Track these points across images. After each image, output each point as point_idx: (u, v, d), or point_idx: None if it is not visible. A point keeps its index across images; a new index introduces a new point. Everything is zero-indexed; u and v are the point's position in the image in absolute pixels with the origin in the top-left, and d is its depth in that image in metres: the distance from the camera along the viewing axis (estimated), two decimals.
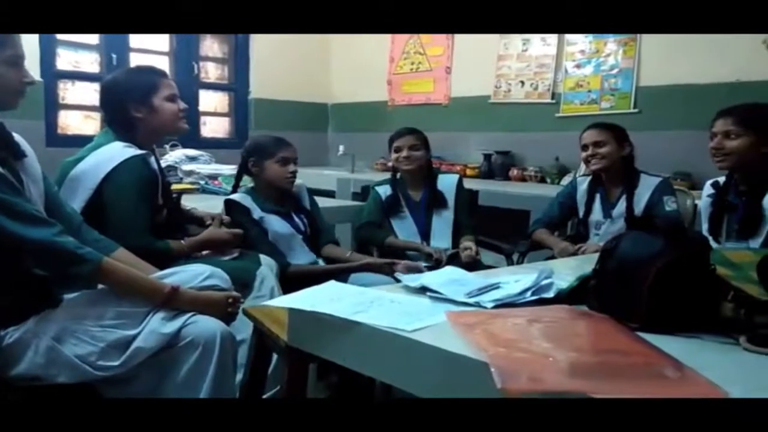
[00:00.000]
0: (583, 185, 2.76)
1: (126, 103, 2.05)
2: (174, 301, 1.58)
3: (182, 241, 2.07)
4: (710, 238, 2.21)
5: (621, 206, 2.61)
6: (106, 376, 1.51)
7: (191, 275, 1.69)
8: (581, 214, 2.74)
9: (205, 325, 1.57)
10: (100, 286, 1.60)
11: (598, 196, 2.70)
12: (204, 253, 2.17)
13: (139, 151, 1.99)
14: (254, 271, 2.13)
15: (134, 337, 1.52)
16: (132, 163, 1.96)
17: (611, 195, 2.67)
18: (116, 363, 1.51)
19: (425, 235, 2.86)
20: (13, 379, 1.49)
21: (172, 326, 1.54)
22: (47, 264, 1.51)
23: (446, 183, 2.92)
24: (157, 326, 1.53)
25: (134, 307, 1.56)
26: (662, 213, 2.50)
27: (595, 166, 2.62)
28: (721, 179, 2.28)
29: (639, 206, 2.58)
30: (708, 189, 2.32)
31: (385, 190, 2.93)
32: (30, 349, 1.49)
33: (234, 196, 2.53)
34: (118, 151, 1.97)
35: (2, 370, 1.47)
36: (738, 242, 2.13)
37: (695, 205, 2.74)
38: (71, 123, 4.75)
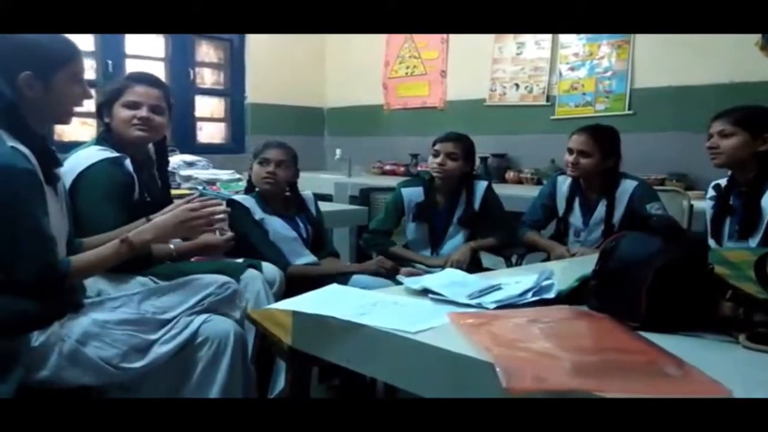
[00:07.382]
0: (564, 186, 2.73)
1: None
2: (133, 246, 1.60)
3: (170, 245, 2.02)
4: (713, 241, 2.26)
5: (599, 214, 2.61)
6: (128, 377, 1.58)
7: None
8: (561, 212, 2.74)
9: (219, 324, 1.66)
10: (113, 290, 1.69)
11: (577, 199, 2.69)
12: (194, 259, 2.14)
13: (111, 154, 1.97)
14: (238, 276, 2.05)
15: (154, 341, 1.60)
16: (101, 165, 1.94)
17: (589, 200, 2.66)
18: (138, 365, 1.58)
19: (436, 241, 2.79)
20: (38, 381, 1.52)
21: (189, 330, 1.63)
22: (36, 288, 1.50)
23: (475, 192, 2.82)
24: (175, 332, 1.63)
25: (155, 315, 1.64)
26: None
27: (572, 173, 2.63)
28: (723, 181, 2.33)
29: (618, 212, 2.57)
30: (710, 192, 2.38)
31: (411, 194, 2.82)
32: (54, 351, 1.52)
33: (236, 197, 2.53)
34: (91, 155, 1.97)
35: (28, 372, 1.50)
36: (738, 242, 2.17)
37: (691, 206, 2.76)
38: (67, 129, 4.73)
